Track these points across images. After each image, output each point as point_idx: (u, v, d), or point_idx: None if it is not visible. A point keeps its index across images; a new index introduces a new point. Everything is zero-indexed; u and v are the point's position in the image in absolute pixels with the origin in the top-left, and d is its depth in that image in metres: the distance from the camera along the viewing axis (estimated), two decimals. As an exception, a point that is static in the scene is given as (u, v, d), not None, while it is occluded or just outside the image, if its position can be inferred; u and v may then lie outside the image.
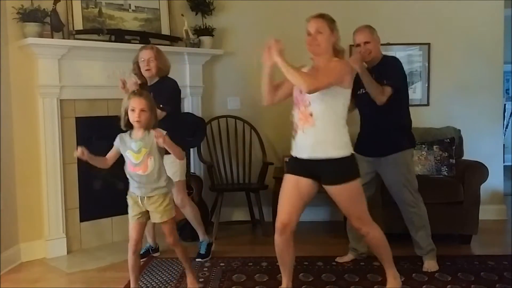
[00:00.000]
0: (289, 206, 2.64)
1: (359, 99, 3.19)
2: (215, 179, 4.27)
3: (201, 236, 3.59)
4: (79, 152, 2.65)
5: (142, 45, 3.95)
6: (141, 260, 3.33)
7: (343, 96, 2.57)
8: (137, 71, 3.40)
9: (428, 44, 4.49)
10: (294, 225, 2.66)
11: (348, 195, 2.60)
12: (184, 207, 3.46)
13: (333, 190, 2.60)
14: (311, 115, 2.53)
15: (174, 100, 3.43)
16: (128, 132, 2.77)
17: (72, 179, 3.76)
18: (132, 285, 2.84)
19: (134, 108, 2.66)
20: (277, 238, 2.67)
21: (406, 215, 3.31)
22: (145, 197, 2.75)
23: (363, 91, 3.19)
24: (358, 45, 3.21)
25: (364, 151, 3.21)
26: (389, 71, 3.19)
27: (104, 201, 3.93)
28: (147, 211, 2.80)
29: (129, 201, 2.81)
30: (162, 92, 3.32)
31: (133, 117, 2.67)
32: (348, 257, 3.46)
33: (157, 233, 3.57)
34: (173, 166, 3.31)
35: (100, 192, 3.96)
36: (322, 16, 2.58)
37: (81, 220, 3.84)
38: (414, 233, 3.32)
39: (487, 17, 4.47)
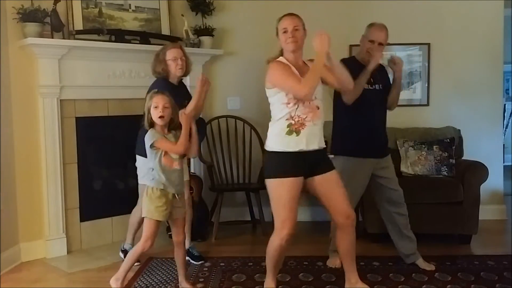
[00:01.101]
0: (294, 214, 2.64)
1: (366, 96, 3.10)
2: (215, 179, 4.27)
3: (188, 243, 3.48)
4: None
5: (142, 45, 3.96)
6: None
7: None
8: (166, 69, 3.32)
9: (428, 44, 4.49)
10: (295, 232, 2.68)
11: (339, 180, 2.71)
12: (188, 206, 3.44)
13: (332, 175, 2.69)
14: (318, 107, 2.63)
15: None
16: (153, 129, 2.78)
17: (72, 179, 3.76)
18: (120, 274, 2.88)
19: (157, 105, 2.73)
20: (282, 244, 2.64)
21: (404, 210, 3.28)
22: (177, 193, 2.81)
23: (372, 87, 3.15)
24: (372, 41, 3.11)
25: (372, 152, 3.19)
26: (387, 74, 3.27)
27: (104, 201, 3.93)
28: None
29: (162, 198, 2.75)
30: (188, 98, 3.36)
31: (156, 113, 2.73)
32: (338, 261, 3.28)
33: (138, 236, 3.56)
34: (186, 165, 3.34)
35: (100, 192, 3.96)
36: (295, 14, 2.69)
37: (81, 220, 3.84)
38: (406, 228, 3.30)
39: (487, 17, 4.47)
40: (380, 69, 3.26)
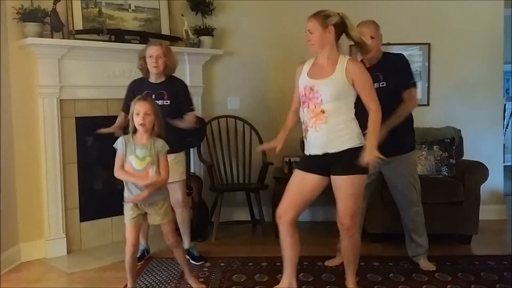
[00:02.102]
0: (289, 199, 2.72)
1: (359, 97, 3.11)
2: (215, 179, 4.26)
3: (188, 243, 3.53)
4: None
5: (142, 44, 3.96)
6: (139, 263, 3.32)
7: (354, 92, 2.65)
8: (144, 66, 3.36)
9: (428, 44, 4.49)
10: (290, 218, 2.70)
11: (353, 188, 2.62)
12: (186, 205, 3.47)
13: (341, 180, 2.62)
14: (323, 112, 2.59)
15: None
16: (130, 135, 2.78)
17: (72, 179, 3.75)
18: (129, 285, 2.85)
19: (139, 112, 2.71)
20: (280, 227, 2.75)
21: (409, 215, 3.27)
22: (144, 201, 2.77)
23: (377, 85, 3.08)
24: None
25: None
26: (406, 70, 3.17)
27: (104, 201, 3.92)
28: (145, 213, 2.82)
29: (126, 205, 2.81)
30: (184, 94, 3.38)
31: (137, 121, 2.71)
32: (338, 261, 3.35)
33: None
34: (180, 166, 3.36)
35: (100, 192, 3.95)
36: (314, 15, 2.65)
37: (81, 220, 3.83)
38: (416, 233, 3.30)
39: (487, 17, 4.46)
40: (384, 61, 3.18)
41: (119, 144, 2.78)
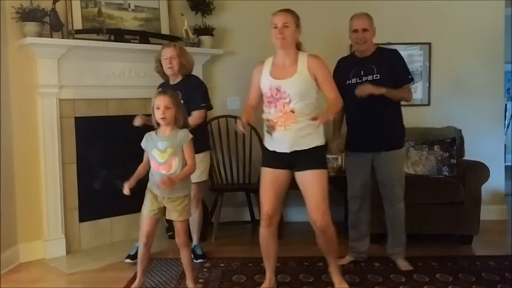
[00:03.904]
0: (272, 198, 2.75)
1: (349, 90, 3.09)
2: (215, 179, 4.25)
3: (196, 240, 3.58)
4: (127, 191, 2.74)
5: (142, 44, 3.95)
6: (133, 260, 3.31)
7: (316, 88, 2.71)
8: (160, 69, 3.42)
9: (429, 43, 4.48)
10: (278, 216, 2.82)
11: (320, 182, 2.68)
12: (197, 207, 3.48)
13: (309, 175, 2.68)
14: (292, 111, 2.61)
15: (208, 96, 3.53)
16: (155, 130, 2.83)
17: (71, 179, 3.74)
18: (138, 276, 2.89)
19: (159, 106, 2.73)
20: (264, 231, 2.80)
21: (393, 212, 3.26)
22: (164, 196, 2.79)
23: (354, 81, 3.14)
24: (356, 30, 3.13)
25: (362, 146, 3.21)
26: (402, 65, 3.20)
27: (103, 201, 3.91)
28: (164, 208, 2.84)
29: (148, 195, 2.83)
30: (196, 91, 3.39)
31: (158, 115, 2.73)
32: (347, 259, 3.39)
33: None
34: (202, 165, 3.36)
35: (99, 192, 3.94)
36: (289, 10, 2.69)
37: (81, 220, 3.82)
38: (398, 230, 3.29)
39: (488, 17, 4.45)
40: (378, 55, 3.18)
41: (143, 141, 2.83)
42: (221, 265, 3.42)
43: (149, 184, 2.84)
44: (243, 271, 3.29)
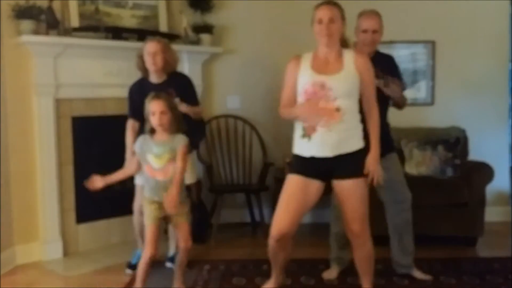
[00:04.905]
0: (291, 213, 2.46)
1: None
2: (215, 180, 4.21)
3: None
4: (93, 185, 2.68)
5: (140, 42, 3.89)
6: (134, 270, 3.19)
7: (359, 90, 2.50)
8: (141, 65, 3.18)
9: (433, 42, 4.43)
10: (293, 233, 2.51)
11: (361, 191, 2.47)
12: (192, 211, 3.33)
13: (351, 183, 2.45)
14: (337, 110, 2.38)
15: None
16: (149, 134, 2.71)
17: (68, 180, 3.70)
18: (138, 285, 2.75)
19: (155, 112, 2.62)
20: (273, 243, 2.54)
21: (403, 215, 3.08)
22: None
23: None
24: (365, 31, 2.92)
25: None
26: (397, 72, 3.07)
27: (101, 203, 3.86)
28: (165, 216, 2.75)
29: (150, 205, 2.71)
30: (187, 90, 3.23)
31: (154, 122, 2.62)
32: (335, 272, 3.19)
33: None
34: (191, 166, 3.25)
35: (97, 193, 3.84)
36: (333, 3, 2.46)
37: (78, 222, 3.78)
38: (406, 237, 3.10)
39: (493, 15, 4.42)
40: (378, 59, 2.99)
41: (137, 145, 2.72)
42: (221, 267, 3.38)
43: (147, 193, 2.73)
44: (243, 274, 3.26)
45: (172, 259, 3.34)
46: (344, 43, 2.53)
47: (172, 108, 2.67)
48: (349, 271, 3.22)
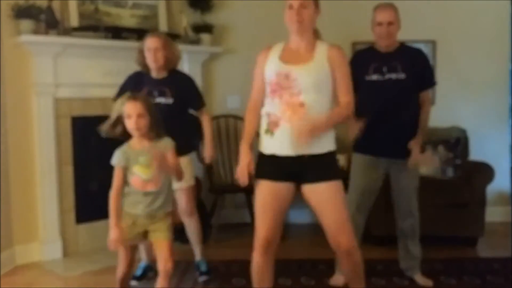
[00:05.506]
0: (271, 220, 2.27)
1: (368, 87, 2.85)
2: (215, 180, 4.20)
3: (200, 255, 3.28)
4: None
5: (140, 42, 3.88)
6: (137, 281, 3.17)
7: (331, 85, 2.27)
8: (142, 60, 3.03)
9: (434, 41, 4.42)
10: (278, 241, 2.31)
11: (340, 196, 2.25)
12: (192, 215, 3.17)
13: (325, 188, 2.22)
14: (301, 105, 2.17)
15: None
16: (126, 144, 2.41)
17: (67, 180, 3.69)
18: None
19: (131, 115, 2.31)
20: (258, 258, 2.30)
21: (409, 222, 3.04)
22: (148, 216, 2.41)
23: (375, 78, 2.87)
24: (380, 24, 2.86)
25: (381, 150, 2.90)
26: (430, 68, 3.01)
27: (100, 203, 3.79)
28: (144, 233, 2.46)
29: (126, 219, 2.42)
30: (186, 89, 3.09)
31: (130, 125, 2.33)
32: (342, 278, 3.00)
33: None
34: (189, 169, 3.08)
35: (96, 194, 3.87)
36: None
37: (77, 222, 3.77)
38: (412, 242, 3.08)
39: (493, 15, 4.41)
40: (402, 52, 2.94)
41: (117, 157, 2.39)
42: (221, 268, 3.37)
43: (126, 207, 2.42)
44: (243, 274, 3.21)
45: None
46: (315, 33, 2.34)
47: (151, 111, 2.36)
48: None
